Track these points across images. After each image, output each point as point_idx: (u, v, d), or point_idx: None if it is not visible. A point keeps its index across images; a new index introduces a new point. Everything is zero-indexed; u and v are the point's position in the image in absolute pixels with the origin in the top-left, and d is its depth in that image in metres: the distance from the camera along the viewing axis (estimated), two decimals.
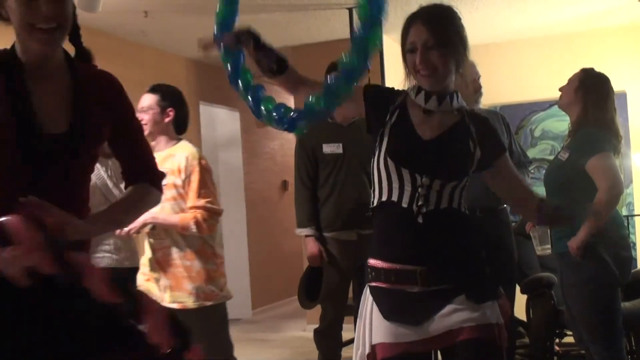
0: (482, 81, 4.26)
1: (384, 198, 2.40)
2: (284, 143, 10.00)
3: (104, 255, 3.67)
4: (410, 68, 2.43)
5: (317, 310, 4.78)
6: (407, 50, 2.43)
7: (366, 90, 2.55)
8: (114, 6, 5.65)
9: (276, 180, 9.80)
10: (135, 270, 3.84)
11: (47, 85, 1.95)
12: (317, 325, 4.79)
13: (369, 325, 2.40)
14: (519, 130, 7.24)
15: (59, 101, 1.96)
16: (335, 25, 6.62)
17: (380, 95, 2.55)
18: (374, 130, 2.48)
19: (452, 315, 2.33)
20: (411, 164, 2.37)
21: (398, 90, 2.54)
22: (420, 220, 2.35)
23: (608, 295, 3.74)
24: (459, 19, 2.49)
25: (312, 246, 4.51)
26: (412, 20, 2.47)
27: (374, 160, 2.46)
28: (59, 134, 1.92)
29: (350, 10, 6.16)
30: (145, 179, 2.18)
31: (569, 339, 4.87)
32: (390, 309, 2.37)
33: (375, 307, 2.39)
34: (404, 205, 2.36)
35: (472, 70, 4.25)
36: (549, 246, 4.20)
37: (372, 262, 2.44)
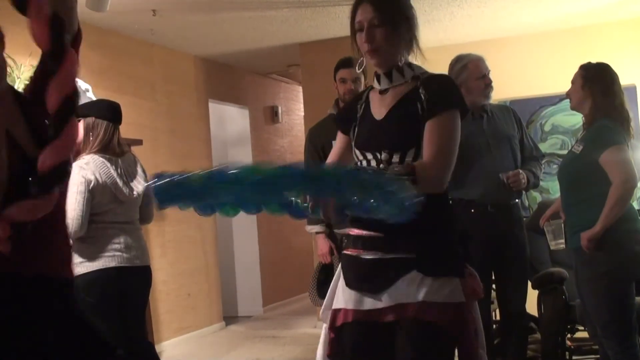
0: (492, 76, 4.25)
1: None
2: (293, 140, 10.01)
3: (114, 254, 3.67)
4: (360, 47, 2.48)
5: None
6: (356, 30, 2.48)
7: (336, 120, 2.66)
8: (123, 5, 5.65)
9: None
10: (146, 268, 3.84)
11: None
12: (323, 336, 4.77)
13: (333, 292, 2.52)
14: (528, 125, 7.20)
15: None
16: (344, 22, 6.56)
17: (345, 109, 2.64)
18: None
19: (405, 288, 2.32)
20: (369, 145, 2.45)
21: (362, 90, 2.64)
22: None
23: (622, 291, 3.73)
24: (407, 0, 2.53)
25: (322, 243, 4.50)
26: (359, 1, 2.51)
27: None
28: None
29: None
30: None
31: (581, 334, 4.86)
32: (353, 276, 2.43)
33: (341, 274, 2.49)
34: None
35: (481, 64, 4.23)
36: (563, 241, 4.19)
37: (347, 230, 2.50)
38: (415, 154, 2.38)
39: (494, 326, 4.58)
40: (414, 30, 2.50)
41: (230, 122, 9.09)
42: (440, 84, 2.46)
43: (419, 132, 2.37)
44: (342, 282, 2.49)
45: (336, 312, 2.47)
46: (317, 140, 4.46)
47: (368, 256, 2.40)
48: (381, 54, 2.45)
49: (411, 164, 2.32)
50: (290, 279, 9.41)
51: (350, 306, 2.42)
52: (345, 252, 2.53)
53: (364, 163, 2.46)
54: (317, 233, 4.52)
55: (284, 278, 9.34)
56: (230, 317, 8.50)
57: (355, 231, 2.46)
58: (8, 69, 4.79)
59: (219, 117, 8.84)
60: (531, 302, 4.59)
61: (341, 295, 2.47)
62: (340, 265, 2.57)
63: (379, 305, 2.36)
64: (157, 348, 4.30)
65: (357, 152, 2.51)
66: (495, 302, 4.54)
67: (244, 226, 8.98)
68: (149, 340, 4.38)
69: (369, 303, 2.39)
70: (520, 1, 6.33)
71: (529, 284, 4.57)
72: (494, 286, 4.42)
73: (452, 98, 2.43)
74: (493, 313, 4.67)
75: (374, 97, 2.54)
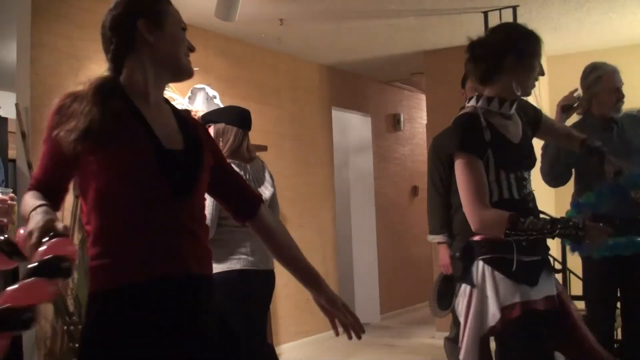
0: None
1: (496, 199, 2.71)
2: (415, 148, 9.97)
3: (240, 257, 3.75)
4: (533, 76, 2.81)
5: (448, 318, 4.74)
6: (534, 62, 2.78)
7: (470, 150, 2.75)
8: (251, 15, 5.78)
9: (406, 185, 9.77)
10: (270, 272, 3.90)
11: (153, 112, 2.03)
12: (447, 333, 4.74)
13: (494, 292, 2.66)
14: None
15: (169, 125, 2.05)
16: (469, 29, 6.51)
17: (472, 134, 2.74)
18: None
19: (544, 284, 2.74)
20: (514, 166, 2.79)
21: (472, 114, 2.80)
22: (530, 205, 2.77)
23: None
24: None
25: (444, 254, 4.46)
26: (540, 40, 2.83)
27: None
28: (180, 150, 2.01)
29: (485, 14, 6.08)
30: (258, 206, 2.26)
31: None
32: (516, 274, 2.67)
33: (498, 275, 2.67)
34: (516, 197, 2.73)
35: (616, 77, 4.10)
36: None
37: (481, 237, 2.71)
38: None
39: (615, 345, 4.43)
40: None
41: (352, 129, 9.15)
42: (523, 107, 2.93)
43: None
44: (501, 282, 2.68)
45: (503, 310, 2.65)
46: (441, 150, 4.43)
47: (523, 258, 2.69)
48: None
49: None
50: (408, 287, 9.38)
51: (522, 299, 2.66)
52: (490, 256, 2.73)
53: (506, 183, 2.72)
54: (439, 243, 4.49)
55: (402, 286, 9.31)
56: None
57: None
58: None
59: (342, 125, 8.91)
60: None
61: (506, 295, 2.67)
62: (485, 273, 2.72)
63: (541, 295, 2.71)
64: (276, 350, 4.37)
65: (503, 173, 2.72)
66: (619, 320, 4.39)
67: (363, 233, 9.02)
68: (270, 342, 4.46)
69: (533, 294, 2.68)
70: None
71: None
72: (618, 304, 4.28)
73: (535, 107, 2.99)
74: (615, 332, 4.52)
75: (499, 122, 2.77)
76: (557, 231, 2.58)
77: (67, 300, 4.68)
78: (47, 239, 1.67)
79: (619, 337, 4.52)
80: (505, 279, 2.67)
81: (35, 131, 4.77)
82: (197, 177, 2.02)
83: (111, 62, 2.05)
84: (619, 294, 4.21)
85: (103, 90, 1.97)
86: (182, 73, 2.08)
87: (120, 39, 2.02)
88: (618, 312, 4.33)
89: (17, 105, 4.76)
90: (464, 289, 2.76)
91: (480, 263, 2.72)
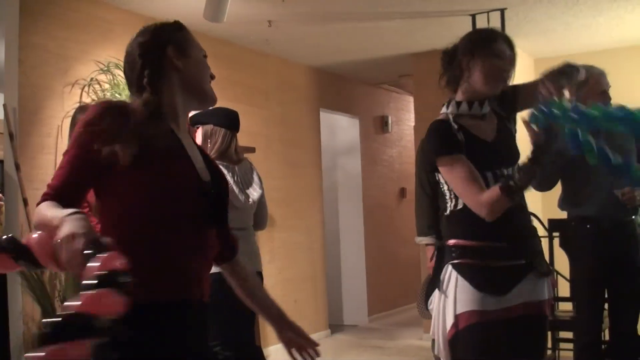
0: None
1: None
2: (402, 151, 10.00)
3: None
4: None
5: None
6: (494, 54, 2.75)
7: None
8: (239, 16, 5.78)
9: (394, 187, 9.79)
10: (257, 274, 3.90)
11: (185, 138, 2.08)
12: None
13: (454, 298, 2.69)
14: None
15: (197, 156, 2.10)
16: (457, 32, 6.49)
17: (448, 135, 2.76)
18: None
19: (525, 289, 2.69)
20: (489, 165, 2.75)
21: (442, 120, 2.83)
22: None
23: None
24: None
25: (432, 255, 4.47)
26: (497, 34, 2.86)
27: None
28: (209, 181, 2.06)
29: (473, 16, 6.10)
30: (237, 250, 2.32)
31: None
32: (478, 281, 2.66)
33: (461, 281, 2.68)
34: None
35: (603, 80, 4.12)
36: None
37: (454, 242, 2.76)
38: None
39: (603, 346, 4.45)
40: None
41: (340, 131, 9.17)
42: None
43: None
44: (461, 289, 2.69)
45: (457, 317, 2.67)
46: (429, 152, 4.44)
47: (493, 264, 2.68)
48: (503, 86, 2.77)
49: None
50: (396, 289, 9.39)
51: (476, 307, 2.65)
52: (459, 261, 2.74)
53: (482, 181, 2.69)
54: (426, 245, 4.50)
55: (390, 288, 9.33)
56: (335, 325, 8.55)
57: (472, 243, 2.72)
58: (121, 86, 5.00)
59: (330, 126, 8.92)
60: None
61: (463, 301, 2.67)
62: (451, 278, 2.74)
63: (506, 304, 2.66)
64: (264, 352, 4.37)
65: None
66: (606, 321, 4.41)
67: (352, 235, 9.03)
68: (258, 344, 4.45)
69: (495, 304, 2.65)
70: (636, 10, 6.15)
71: None
72: (606, 305, 4.30)
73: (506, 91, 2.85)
74: (603, 332, 4.54)
75: (471, 122, 2.78)
76: (538, 156, 2.48)
77: (55, 302, 4.67)
78: (91, 251, 1.61)
79: (607, 337, 4.55)
80: (466, 286, 2.68)
81: (23, 132, 4.75)
82: (225, 207, 2.12)
83: (147, 86, 2.02)
84: (606, 295, 4.23)
85: (155, 111, 1.98)
86: (207, 99, 2.13)
87: (152, 65, 2.03)
88: (606, 313, 4.35)
89: (5, 106, 4.74)
90: (435, 292, 2.84)
91: (449, 267, 2.75)
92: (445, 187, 2.81)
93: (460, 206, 2.75)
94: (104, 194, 1.93)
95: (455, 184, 2.69)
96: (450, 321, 2.69)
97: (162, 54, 2.04)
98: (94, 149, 1.86)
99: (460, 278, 2.70)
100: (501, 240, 2.67)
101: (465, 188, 2.65)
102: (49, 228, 1.73)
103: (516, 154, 2.79)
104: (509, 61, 2.75)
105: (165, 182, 1.91)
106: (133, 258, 1.79)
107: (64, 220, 1.68)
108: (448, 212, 2.81)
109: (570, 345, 4.79)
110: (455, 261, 2.74)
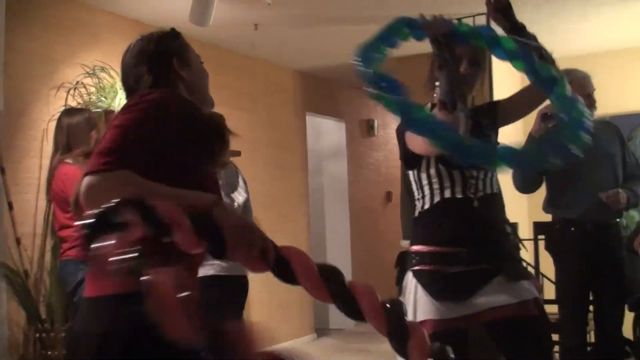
0: None
1: (437, 199, 2.70)
2: (388, 154, 10.00)
3: (213, 263, 3.75)
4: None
5: None
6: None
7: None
8: (225, 20, 5.78)
9: (380, 191, 9.79)
10: (243, 278, 3.90)
11: None
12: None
13: (413, 306, 2.64)
14: (627, 142, 7.00)
15: None
16: None
17: None
18: None
19: (492, 294, 2.58)
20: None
21: None
22: (475, 204, 2.64)
23: None
24: None
25: None
26: None
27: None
28: None
29: (459, 20, 6.11)
30: None
31: None
32: (436, 289, 2.62)
33: (420, 289, 2.65)
34: (458, 196, 2.66)
35: (587, 83, 4.14)
36: None
37: (416, 248, 2.73)
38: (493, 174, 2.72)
39: (589, 348, 4.48)
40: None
41: (326, 134, 9.17)
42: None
43: None
44: (420, 296, 2.66)
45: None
46: None
47: (451, 270, 2.62)
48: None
49: None
50: (382, 293, 9.35)
51: (436, 316, 2.59)
52: (418, 268, 2.71)
53: (448, 179, 2.69)
54: None
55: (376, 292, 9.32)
56: (321, 329, 8.54)
57: (430, 248, 2.68)
58: (111, 80, 4.99)
59: (316, 130, 8.93)
60: (627, 325, 4.47)
61: (423, 308, 2.63)
62: (411, 284, 2.72)
63: (466, 312, 2.59)
64: None
65: (443, 169, 2.70)
66: (592, 323, 4.44)
67: (338, 238, 9.03)
68: None
69: (455, 312, 2.59)
70: (621, 15, 6.19)
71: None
72: (591, 307, 4.33)
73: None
74: (588, 335, 4.57)
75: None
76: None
77: (40, 307, 4.64)
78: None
79: (592, 340, 4.57)
80: (424, 294, 2.65)
81: (8, 135, 4.73)
82: None
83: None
84: (591, 297, 4.25)
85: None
86: (207, 104, 2.24)
87: (161, 78, 2.07)
88: (591, 315, 4.38)
89: None
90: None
91: (410, 274, 2.73)
92: (415, 186, 2.80)
93: (427, 206, 2.74)
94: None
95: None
96: None
97: (169, 66, 2.09)
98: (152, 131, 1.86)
99: (419, 286, 2.67)
100: (461, 245, 2.62)
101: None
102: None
103: None
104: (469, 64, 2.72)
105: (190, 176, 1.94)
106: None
107: (226, 207, 1.78)
108: (417, 214, 2.80)
109: (556, 348, 4.82)
110: (415, 268, 2.71)
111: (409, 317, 2.58)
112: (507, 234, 2.78)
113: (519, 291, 2.62)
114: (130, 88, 2.10)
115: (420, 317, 2.60)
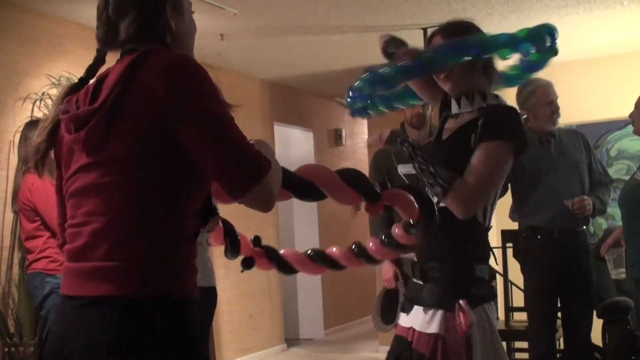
0: (558, 99, 4.21)
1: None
2: (357, 163, 10.02)
3: None
4: (434, 76, 2.57)
5: (391, 332, 4.75)
6: None
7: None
8: None
9: None
10: (211, 289, 3.87)
11: None
12: (389, 347, 4.75)
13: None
14: (594, 150, 7.08)
15: None
16: (410, 46, 6.60)
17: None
18: None
19: (411, 314, 2.58)
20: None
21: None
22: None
23: None
24: (476, 30, 2.65)
25: (387, 268, 4.48)
26: (433, 35, 2.65)
27: None
28: None
29: (424, 30, 6.15)
30: None
31: None
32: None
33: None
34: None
35: (550, 90, 4.20)
36: (624, 270, 4.12)
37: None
38: None
39: (558, 355, 4.51)
40: (486, 59, 2.56)
41: (294, 144, 9.17)
42: (498, 115, 2.43)
43: (457, 166, 2.37)
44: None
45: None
46: (382, 164, 4.46)
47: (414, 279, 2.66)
48: (452, 79, 2.50)
49: (455, 175, 2.32)
50: (352, 302, 9.40)
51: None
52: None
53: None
54: None
55: (345, 302, 9.33)
56: (291, 340, 8.52)
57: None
58: None
59: (284, 140, 8.92)
60: (596, 332, 4.51)
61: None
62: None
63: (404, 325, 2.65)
64: None
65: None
66: (560, 330, 4.47)
67: (307, 248, 8.99)
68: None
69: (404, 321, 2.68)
70: (587, 24, 6.25)
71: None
72: (559, 314, 4.36)
73: (504, 129, 2.39)
74: (557, 342, 4.60)
75: (450, 121, 2.59)
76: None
77: (8, 321, 4.58)
78: None
79: (561, 347, 4.61)
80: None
81: None
82: None
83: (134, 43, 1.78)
84: (559, 305, 4.29)
85: None
86: None
87: (148, 24, 1.80)
88: (559, 322, 4.41)
89: None
90: None
91: None
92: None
93: None
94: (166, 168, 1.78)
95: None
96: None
97: (161, 13, 1.82)
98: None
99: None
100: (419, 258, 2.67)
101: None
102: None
103: (449, 159, 2.45)
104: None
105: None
106: (173, 248, 1.77)
107: None
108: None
109: (525, 355, 4.84)
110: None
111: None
112: (448, 253, 2.56)
113: (428, 322, 2.52)
114: (109, 23, 1.82)
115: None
